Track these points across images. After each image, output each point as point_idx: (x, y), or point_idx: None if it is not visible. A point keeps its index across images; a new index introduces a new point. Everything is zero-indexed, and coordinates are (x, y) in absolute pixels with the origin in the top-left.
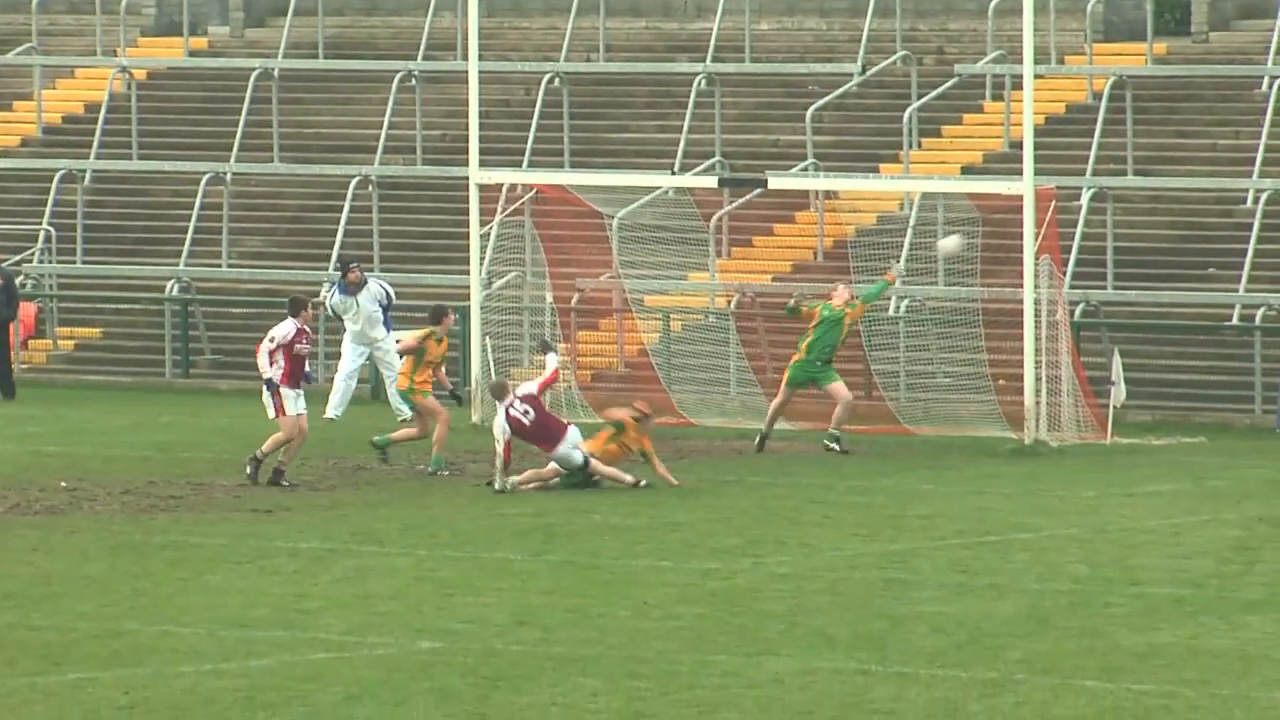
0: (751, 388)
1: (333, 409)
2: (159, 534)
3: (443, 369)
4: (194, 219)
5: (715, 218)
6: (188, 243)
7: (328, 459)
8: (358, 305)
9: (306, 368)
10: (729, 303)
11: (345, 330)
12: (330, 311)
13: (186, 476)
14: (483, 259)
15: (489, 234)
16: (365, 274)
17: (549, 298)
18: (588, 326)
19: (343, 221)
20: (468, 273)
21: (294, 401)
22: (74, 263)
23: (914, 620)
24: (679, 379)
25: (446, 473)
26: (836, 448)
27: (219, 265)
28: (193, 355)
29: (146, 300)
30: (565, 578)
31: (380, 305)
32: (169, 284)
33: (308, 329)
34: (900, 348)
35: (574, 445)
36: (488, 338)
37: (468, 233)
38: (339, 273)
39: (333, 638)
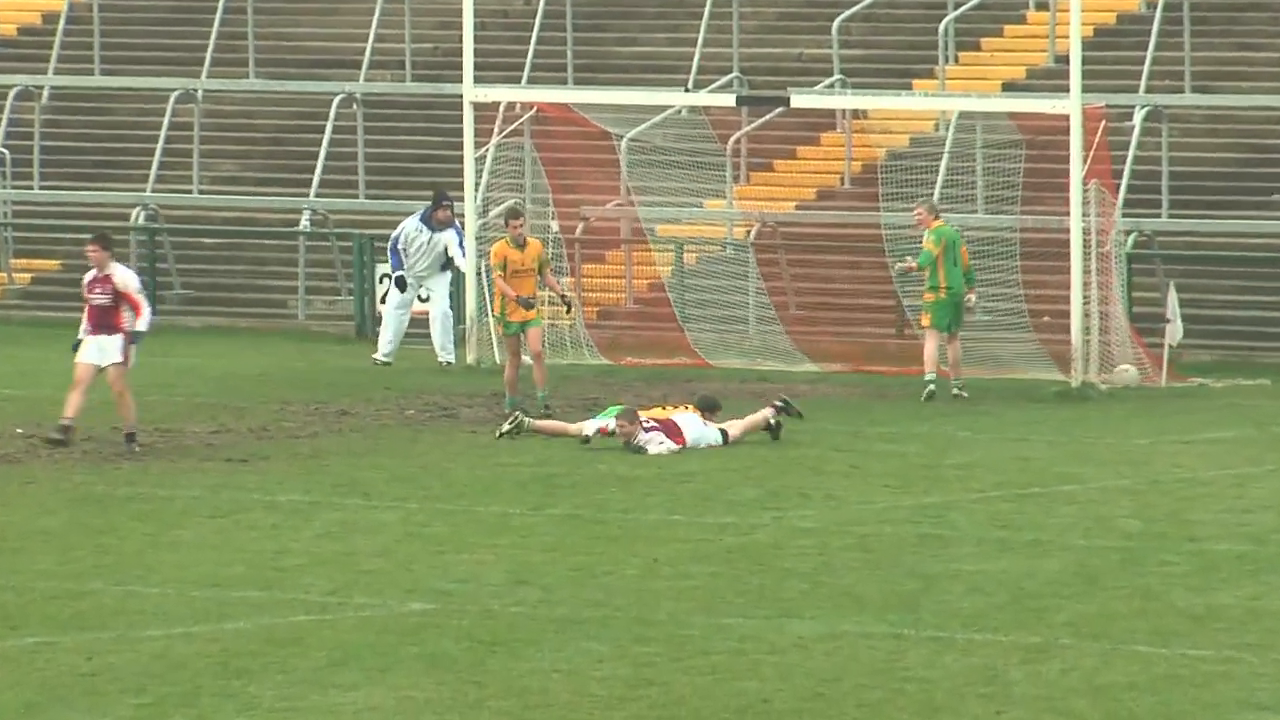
0: (772, 326)
1: (385, 350)
2: (124, 485)
3: (549, 272)
4: (161, 140)
5: (733, 139)
6: (155, 166)
7: (309, 404)
8: (429, 245)
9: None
10: (748, 233)
11: (396, 266)
12: (396, 241)
13: (155, 422)
14: (478, 185)
15: (485, 157)
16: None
17: (552, 227)
18: (594, 259)
19: (324, 143)
20: (461, 200)
21: (90, 350)
22: (30, 188)
23: (950, 579)
24: (694, 316)
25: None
26: (965, 394)
27: (189, 191)
28: (161, 290)
29: (110, 230)
30: (568, 533)
31: (448, 257)
32: (134, 212)
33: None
34: None
35: (700, 429)
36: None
37: (461, 156)
38: (431, 205)
39: (314, 598)
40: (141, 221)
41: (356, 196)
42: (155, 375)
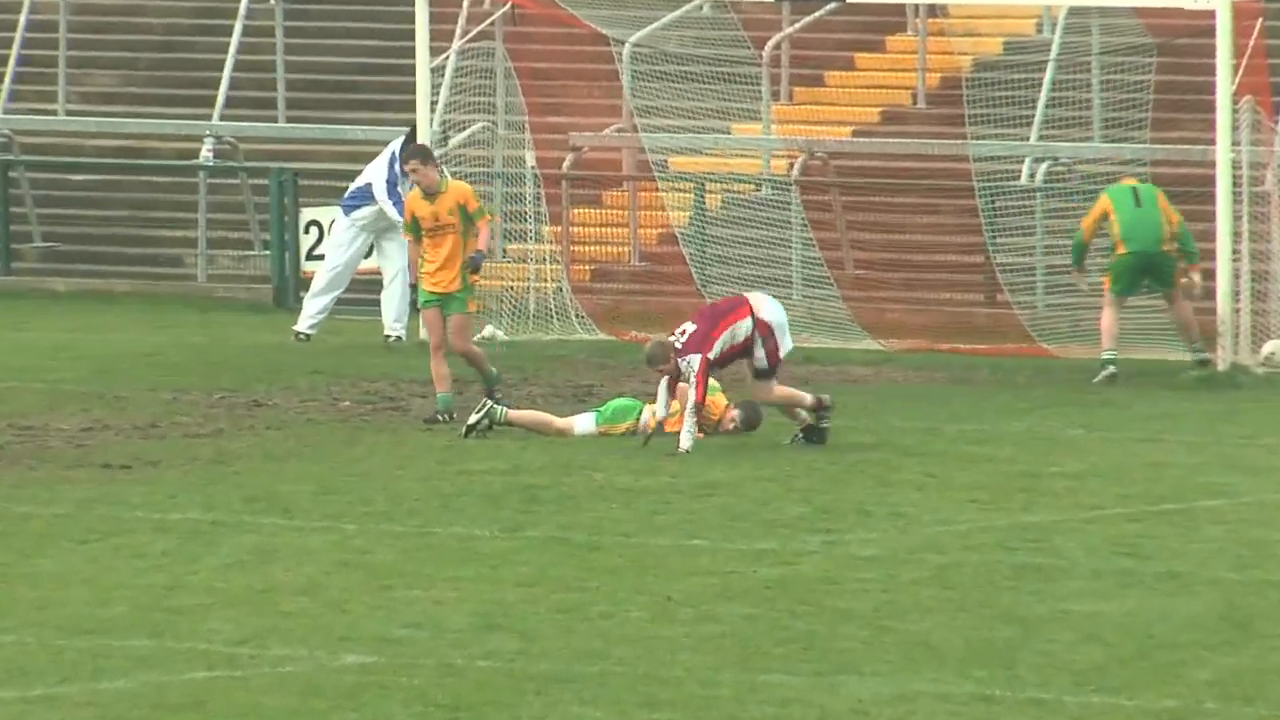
0: (823, 289)
1: (398, 324)
2: None
3: (485, 225)
4: (15, 48)
5: (771, 44)
6: (6, 80)
7: (211, 393)
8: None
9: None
10: (791, 167)
11: (353, 222)
12: (393, 185)
13: (8, 416)
14: (434, 105)
15: (443, 69)
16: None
17: (530, 160)
18: (587, 201)
19: (232, 50)
20: (413, 125)
21: None
22: None
23: (1056, 624)
24: (718, 277)
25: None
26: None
27: (52, 112)
28: (14, 243)
29: None
30: (553, 563)
31: None
32: None
33: None
34: (1037, 233)
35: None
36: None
37: (413, 67)
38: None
39: (218, 649)
40: None
41: (275, 120)
42: (10, 355)
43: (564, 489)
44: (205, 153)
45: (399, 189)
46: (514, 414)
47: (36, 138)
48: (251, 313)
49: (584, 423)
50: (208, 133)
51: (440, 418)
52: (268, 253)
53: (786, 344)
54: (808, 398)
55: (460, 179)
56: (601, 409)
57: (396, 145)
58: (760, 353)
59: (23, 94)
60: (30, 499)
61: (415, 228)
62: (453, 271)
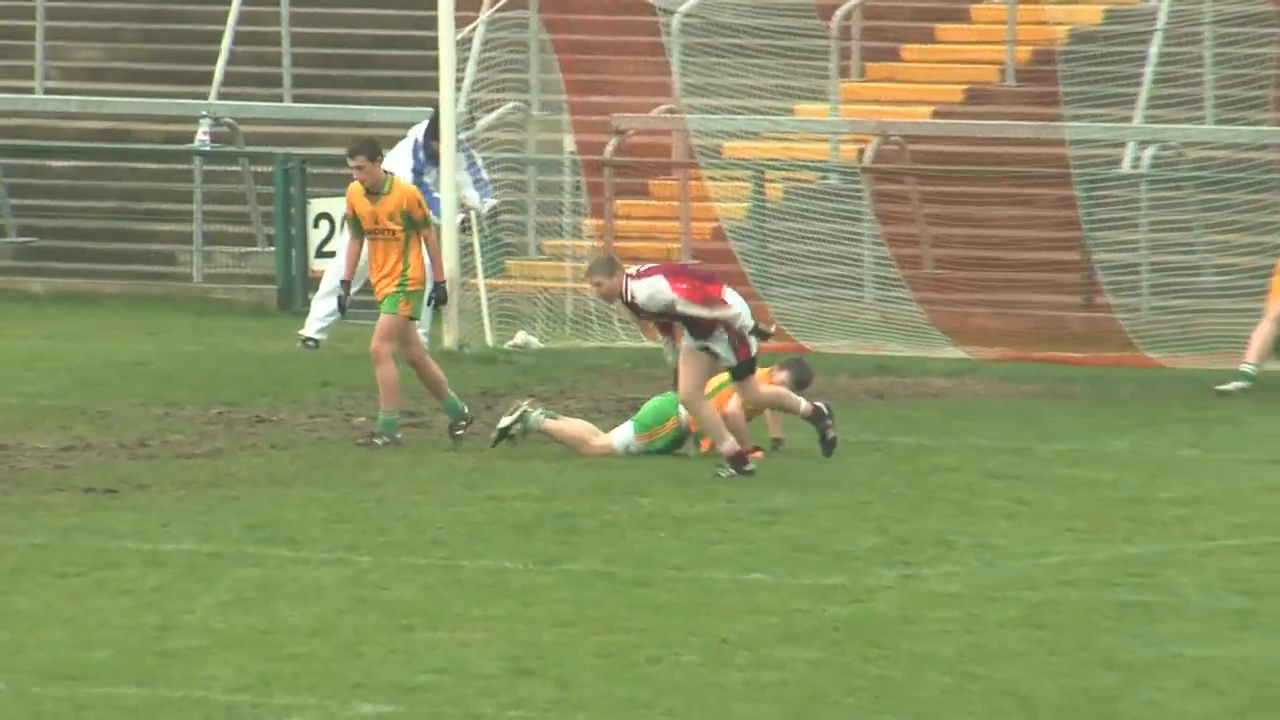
0: (898, 291)
1: (418, 331)
2: None
3: (430, 236)
4: None
5: (840, 14)
6: None
7: (209, 408)
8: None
9: None
10: (861, 153)
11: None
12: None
13: None
14: (460, 83)
15: (470, 42)
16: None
17: (568, 144)
18: (631, 191)
19: (231, 20)
20: (436, 105)
21: None
22: None
23: (1165, 670)
24: (779, 277)
25: (395, 438)
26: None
27: (29, 90)
28: None
29: None
30: (594, 600)
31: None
32: None
33: None
34: (1141, 227)
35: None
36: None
37: (436, 39)
38: (428, 128)
39: (216, 697)
40: None
41: (279, 99)
42: None
43: (606, 517)
44: (201, 136)
45: (425, 179)
46: (552, 423)
47: (11, 119)
48: (253, 317)
49: (622, 435)
50: (204, 113)
51: (461, 426)
52: (271, 249)
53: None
54: (801, 403)
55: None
56: (638, 416)
57: (420, 130)
58: (724, 348)
59: None
60: (3, 528)
61: (355, 225)
62: (394, 279)
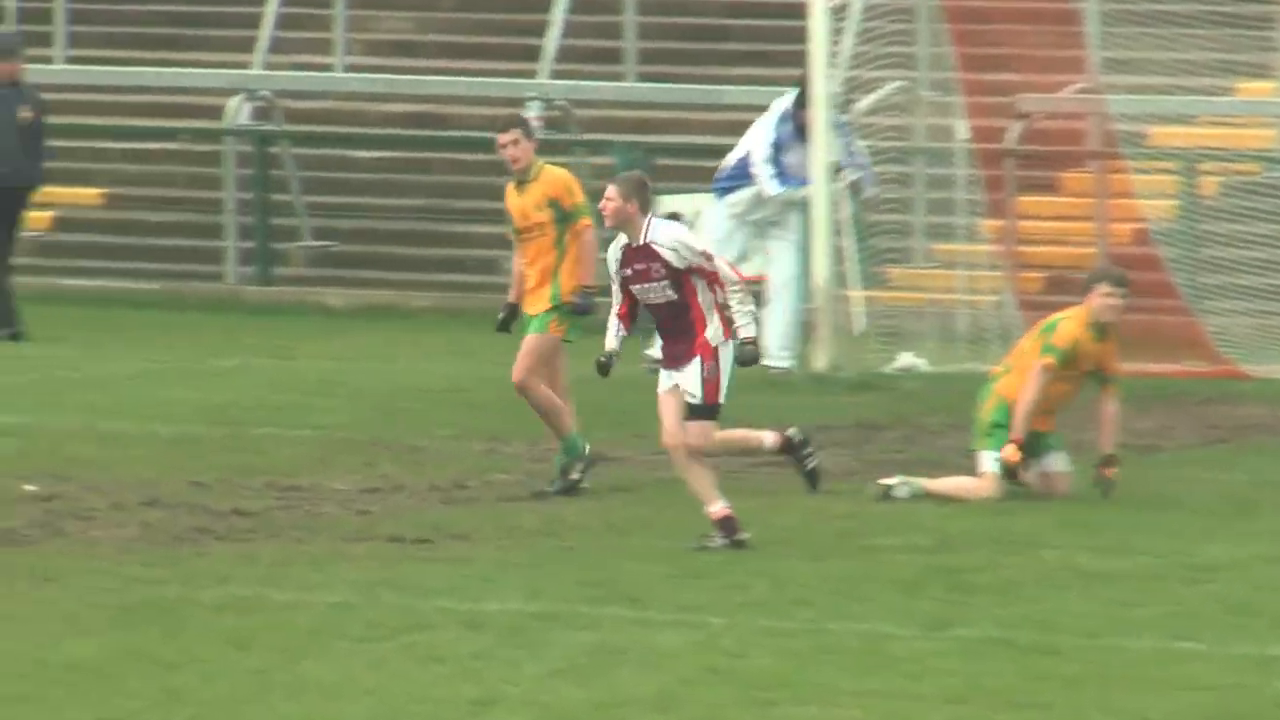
0: None
1: (784, 352)
2: (211, 583)
3: (582, 233)
4: None
5: None
6: (266, 25)
7: (535, 443)
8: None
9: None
10: None
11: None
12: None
13: (266, 473)
14: (835, 58)
15: (846, 8)
16: None
17: (962, 131)
18: (1037, 186)
19: None
20: (802, 81)
21: None
22: None
23: None
24: (1216, 289)
25: (575, 477)
26: None
27: (328, 68)
28: (276, 240)
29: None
30: (992, 671)
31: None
32: (234, 102)
33: None
34: None
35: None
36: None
37: (803, 6)
38: (797, 97)
39: None
40: (246, 117)
41: (621, 77)
42: (266, 391)
43: (1003, 572)
44: (531, 109)
45: (783, 157)
46: (934, 484)
47: (306, 101)
48: (588, 335)
49: (985, 464)
50: (532, 94)
51: (578, 470)
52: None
53: (727, 380)
54: (767, 437)
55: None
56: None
57: (784, 103)
58: (694, 384)
59: (288, 44)
60: (297, 582)
61: (512, 228)
62: (545, 291)
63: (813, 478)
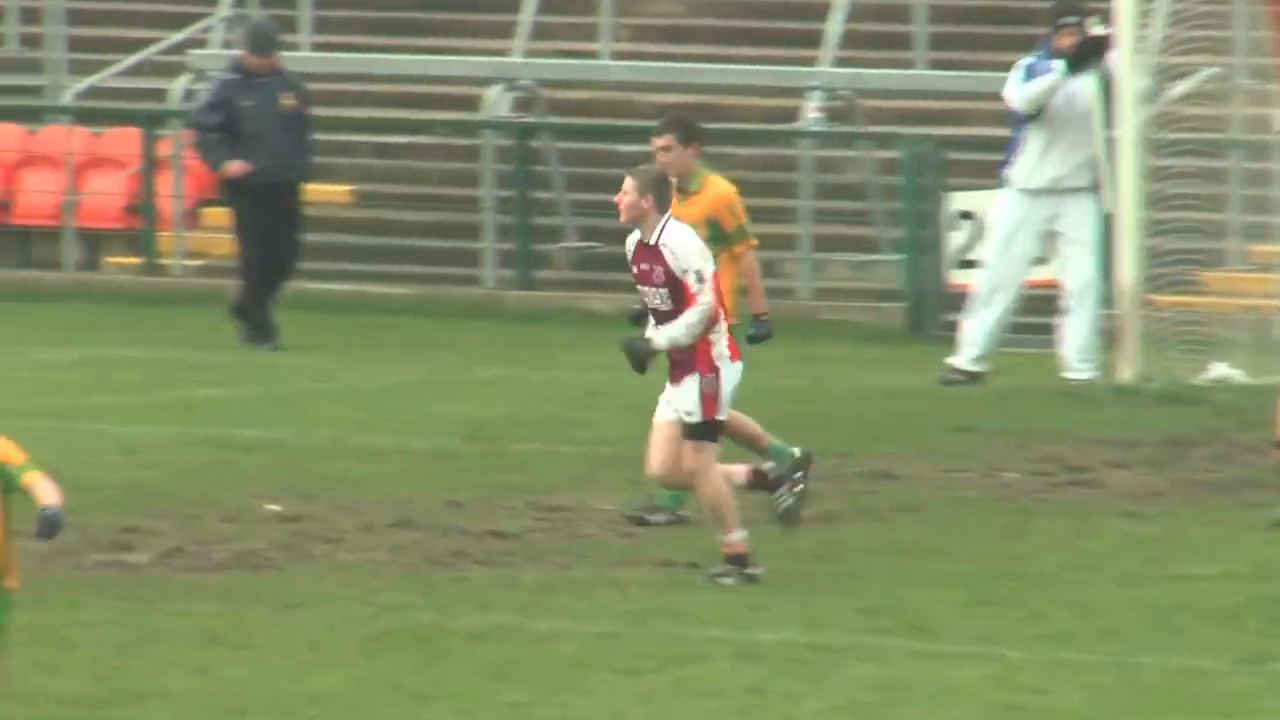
0: None
1: (1085, 364)
2: (467, 610)
3: (744, 253)
4: None
5: None
6: (528, 10)
7: (830, 458)
8: (1065, 110)
9: None
10: None
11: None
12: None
13: (527, 492)
14: (1142, 42)
15: None
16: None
17: (1278, 120)
18: None
19: None
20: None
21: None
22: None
23: None
24: None
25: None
26: None
27: (592, 55)
28: (540, 242)
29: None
30: None
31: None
32: (492, 91)
33: None
34: None
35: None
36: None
37: None
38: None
39: None
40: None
41: (909, 64)
42: (527, 404)
43: None
44: (810, 113)
45: (1037, 67)
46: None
47: (569, 91)
48: (873, 343)
49: None
50: (813, 84)
51: (785, 480)
52: (898, 257)
53: (727, 399)
54: (738, 471)
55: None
56: None
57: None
58: (692, 399)
59: (551, 29)
60: (559, 610)
61: None
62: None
63: (786, 516)
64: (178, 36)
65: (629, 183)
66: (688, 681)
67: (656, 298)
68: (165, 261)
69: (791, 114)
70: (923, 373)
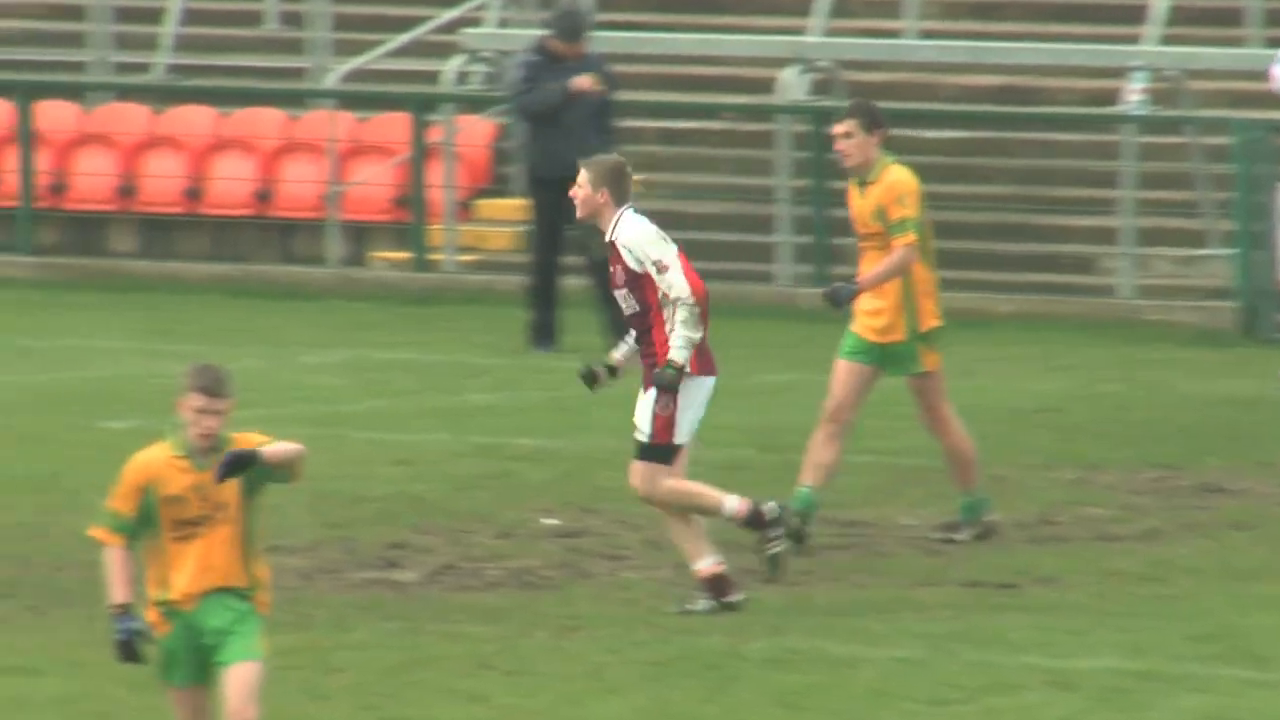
0: None
1: None
2: (759, 634)
3: (902, 245)
4: None
5: None
6: None
7: (1136, 471)
8: None
9: None
10: None
11: None
12: None
13: (821, 505)
14: None
15: None
16: None
17: None
18: None
19: None
20: None
21: None
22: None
23: None
24: None
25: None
26: None
27: (893, 34)
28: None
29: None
30: None
31: None
32: (785, 74)
33: None
34: None
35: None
36: None
37: None
38: None
39: None
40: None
41: (1239, 42)
42: (804, 409)
43: None
44: (1132, 95)
45: None
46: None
47: (872, 73)
48: (1202, 345)
49: None
50: (1138, 64)
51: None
52: (1229, 252)
53: (689, 419)
54: (727, 502)
55: None
56: None
57: None
58: (644, 417)
59: (851, 6)
60: (857, 634)
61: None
62: (890, 308)
63: (774, 564)
64: (450, 14)
65: (583, 175)
66: (999, 713)
67: (624, 302)
68: (436, 257)
69: (1112, 97)
70: (1256, 378)
